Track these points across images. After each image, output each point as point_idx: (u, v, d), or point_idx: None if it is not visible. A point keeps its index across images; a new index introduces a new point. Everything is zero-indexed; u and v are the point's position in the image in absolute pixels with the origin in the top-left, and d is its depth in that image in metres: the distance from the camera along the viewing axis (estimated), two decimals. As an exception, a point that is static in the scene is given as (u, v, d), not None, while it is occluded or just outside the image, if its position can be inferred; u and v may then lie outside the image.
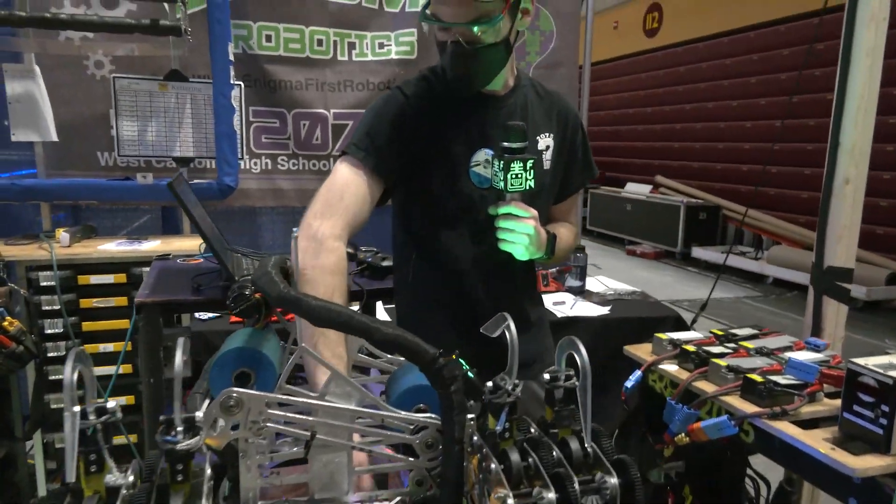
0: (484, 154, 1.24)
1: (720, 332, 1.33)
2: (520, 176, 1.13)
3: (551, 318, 2.46)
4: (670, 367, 1.22)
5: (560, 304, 2.64)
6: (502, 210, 1.17)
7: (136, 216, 2.57)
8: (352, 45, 2.74)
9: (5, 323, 1.90)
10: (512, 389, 0.80)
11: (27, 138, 2.27)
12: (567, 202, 1.42)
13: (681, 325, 2.50)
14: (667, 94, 8.53)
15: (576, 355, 0.78)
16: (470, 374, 0.78)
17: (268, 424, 0.75)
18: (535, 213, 1.17)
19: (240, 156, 2.55)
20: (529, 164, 1.13)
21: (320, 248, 1.07)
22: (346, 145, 1.20)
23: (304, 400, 0.80)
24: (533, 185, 1.14)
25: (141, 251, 2.15)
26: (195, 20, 2.34)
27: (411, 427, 0.80)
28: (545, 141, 1.30)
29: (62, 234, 2.15)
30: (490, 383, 0.80)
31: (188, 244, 2.32)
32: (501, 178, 1.14)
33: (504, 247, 1.20)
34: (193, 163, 2.46)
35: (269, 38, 2.62)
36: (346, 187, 1.15)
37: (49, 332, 2.10)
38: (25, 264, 2.06)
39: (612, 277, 2.99)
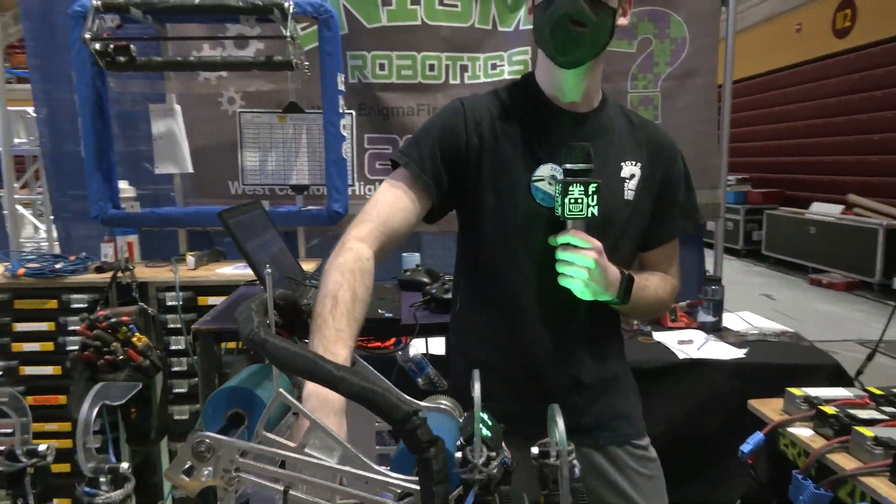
0: (550, 169, 1.12)
1: (879, 392, 1.05)
2: (580, 201, 1.03)
3: (670, 360, 2.18)
4: (803, 432, 0.99)
5: (686, 342, 2.35)
6: (561, 239, 1.06)
7: (261, 241, 2.73)
8: (464, 68, 2.70)
9: (134, 338, 2.11)
10: (495, 463, 0.66)
11: (167, 171, 2.51)
12: (662, 250, 1.26)
13: (842, 378, 2.08)
14: (862, 101, 7.44)
15: (551, 430, 0.64)
16: (487, 430, 0.67)
17: (241, 475, 0.69)
18: (598, 245, 1.05)
19: (351, 182, 2.61)
20: (592, 188, 1.03)
21: (340, 248, 1.03)
22: (395, 153, 1.16)
23: (278, 451, 0.73)
24: (596, 213, 1.03)
25: (251, 275, 2.26)
26: (313, 55, 2.45)
27: (398, 492, 0.70)
28: (630, 169, 1.18)
29: (189, 258, 2.34)
30: (489, 453, 0.67)
31: (305, 266, 2.41)
32: (560, 203, 1.03)
33: (562, 281, 1.08)
34: (309, 189, 2.56)
35: (382, 67, 2.67)
36: (383, 196, 1.12)
37: (174, 348, 2.28)
38: (156, 285, 2.26)
39: (788, 309, 2.60)
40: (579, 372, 1.17)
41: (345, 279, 0.97)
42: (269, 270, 0.88)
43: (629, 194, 1.17)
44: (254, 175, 2.53)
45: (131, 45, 2.23)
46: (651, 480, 1.23)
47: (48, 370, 2.24)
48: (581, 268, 1.05)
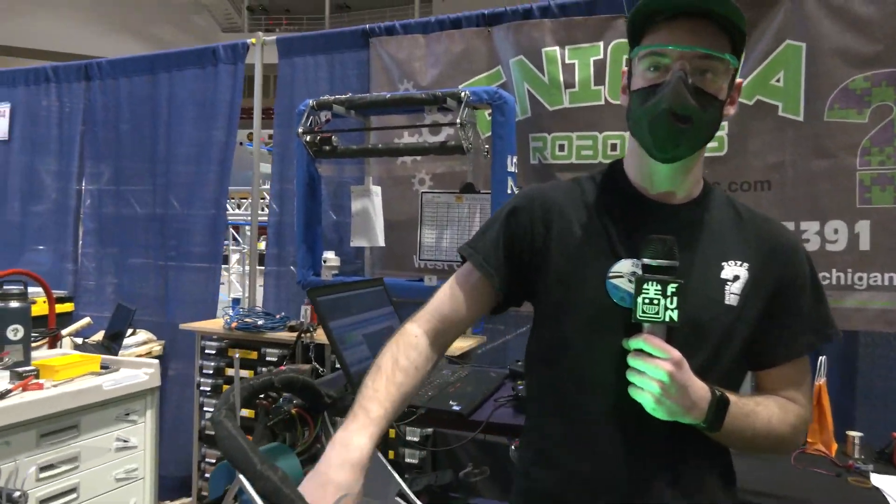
0: (631, 265, 0.99)
1: None
2: (656, 302, 0.89)
3: None
4: None
5: None
6: (633, 344, 0.92)
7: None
8: (650, 147, 2.53)
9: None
10: None
11: (360, 244, 2.79)
12: (783, 370, 1.04)
13: None
14: None
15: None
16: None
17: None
18: (677, 356, 0.90)
19: (519, 262, 2.59)
20: (672, 289, 0.89)
21: (399, 333, 1.07)
22: (463, 245, 1.15)
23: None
24: (675, 318, 0.89)
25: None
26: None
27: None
28: (733, 269, 1.01)
29: (364, 325, 2.54)
30: None
31: (464, 343, 2.44)
32: (633, 303, 0.91)
33: (633, 393, 0.93)
34: (479, 268, 2.61)
35: (561, 148, 2.63)
36: (443, 288, 1.11)
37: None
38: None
39: None
40: (660, 499, 0.97)
41: (388, 351, 1.03)
42: (237, 355, 0.93)
43: (732, 299, 0.99)
44: (430, 251, 2.67)
45: (333, 137, 2.57)
46: None
47: (243, 413, 2.59)
48: (652, 380, 0.90)
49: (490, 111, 2.47)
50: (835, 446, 2.14)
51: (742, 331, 1.00)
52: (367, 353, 1.48)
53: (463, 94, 2.40)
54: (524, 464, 1.12)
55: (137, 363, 2.10)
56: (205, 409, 2.73)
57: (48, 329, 2.57)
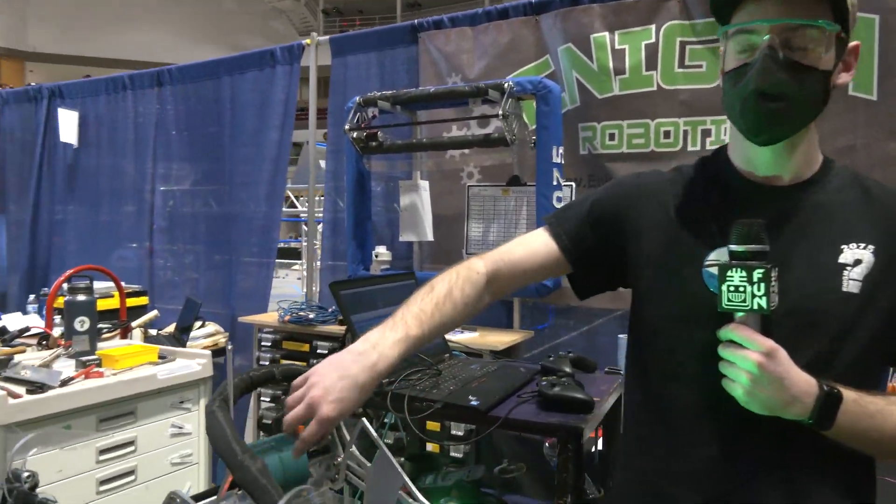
0: (727, 252, 0.95)
1: None
2: (742, 290, 0.85)
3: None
4: None
5: None
6: (723, 334, 0.88)
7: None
8: (706, 133, 2.40)
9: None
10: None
11: (409, 239, 2.81)
12: None
13: None
14: None
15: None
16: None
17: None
18: (769, 346, 0.84)
19: (567, 255, 2.53)
20: (758, 274, 0.84)
21: (462, 264, 1.10)
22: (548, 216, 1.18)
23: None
24: (764, 306, 0.83)
25: (454, 340, 2.35)
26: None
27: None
28: (854, 253, 0.93)
29: (411, 319, 2.55)
30: None
31: (508, 338, 2.42)
32: (718, 290, 0.87)
33: (726, 385, 0.89)
34: (526, 261, 2.57)
35: (612, 137, 2.55)
36: (519, 238, 1.15)
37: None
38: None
39: None
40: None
41: (447, 277, 1.06)
42: (230, 347, 0.95)
43: (851, 285, 0.91)
44: (476, 244, 2.66)
45: (379, 133, 2.60)
46: None
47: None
48: (741, 371, 0.85)
49: (535, 101, 2.42)
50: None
51: (870, 321, 0.91)
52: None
53: (506, 84, 2.36)
54: (623, 451, 1.10)
55: (192, 354, 2.21)
56: (262, 398, 2.84)
57: (119, 321, 2.74)
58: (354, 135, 2.61)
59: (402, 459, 1.90)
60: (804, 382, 0.85)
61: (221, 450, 0.79)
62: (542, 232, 1.13)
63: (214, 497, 0.92)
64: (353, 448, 1.13)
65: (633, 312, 1.09)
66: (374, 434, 1.08)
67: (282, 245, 9.32)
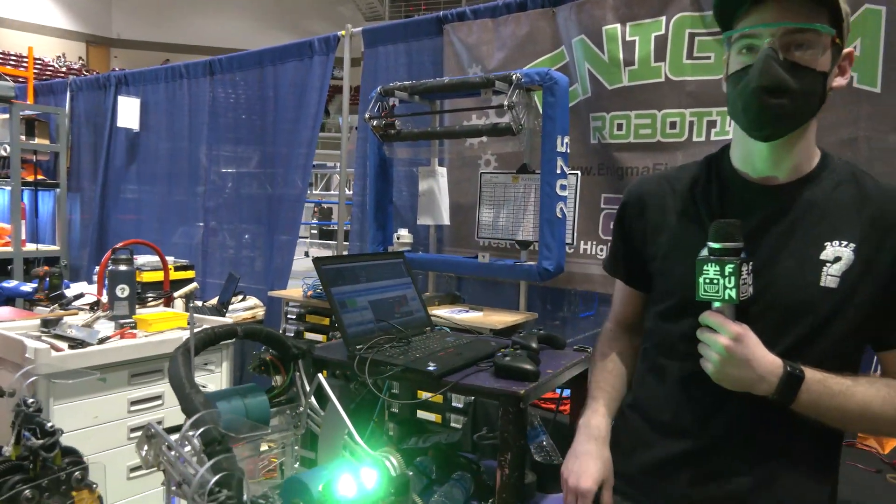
0: None
1: None
2: (716, 282, 0.99)
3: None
4: None
5: None
6: (702, 320, 1.03)
7: (499, 289, 2.95)
8: (711, 124, 2.43)
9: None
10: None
11: (426, 223, 2.95)
12: None
13: None
14: None
15: None
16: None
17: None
18: (737, 331, 0.98)
19: (571, 241, 2.61)
20: (729, 269, 0.97)
21: (597, 353, 1.36)
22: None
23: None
24: (734, 296, 0.97)
25: (456, 319, 2.49)
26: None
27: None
28: (836, 251, 1.02)
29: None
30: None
31: (511, 318, 2.54)
32: (696, 283, 1.01)
33: (701, 363, 1.04)
34: (533, 246, 2.67)
35: (619, 127, 2.60)
36: (616, 294, 1.37)
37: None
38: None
39: None
40: (732, 458, 1.07)
41: (598, 351, 1.36)
42: (192, 305, 1.13)
43: (829, 281, 1.01)
44: (487, 229, 2.78)
45: (396, 122, 2.75)
46: None
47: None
48: (713, 352, 1.00)
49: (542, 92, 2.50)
50: (892, 444, 1.99)
51: (849, 313, 1.01)
52: (370, 317, 1.64)
53: (514, 76, 2.46)
54: (623, 405, 1.27)
55: (217, 322, 2.44)
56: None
57: (163, 291, 3.03)
58: (374, 123, 2.77)
59: (393, 424, 2.07)
60: (770, 363, 0.98)
61: (175, 385, 0.96)
62: (617, 282, 1.34)
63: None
64: (312, 399, 1.31)
65: (650, 302, 1.24)
66: (327, 388, 1.25)
67: (323, 226, 9.59)
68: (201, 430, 0.82)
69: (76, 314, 2.46)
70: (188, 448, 0.86)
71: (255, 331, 1.23)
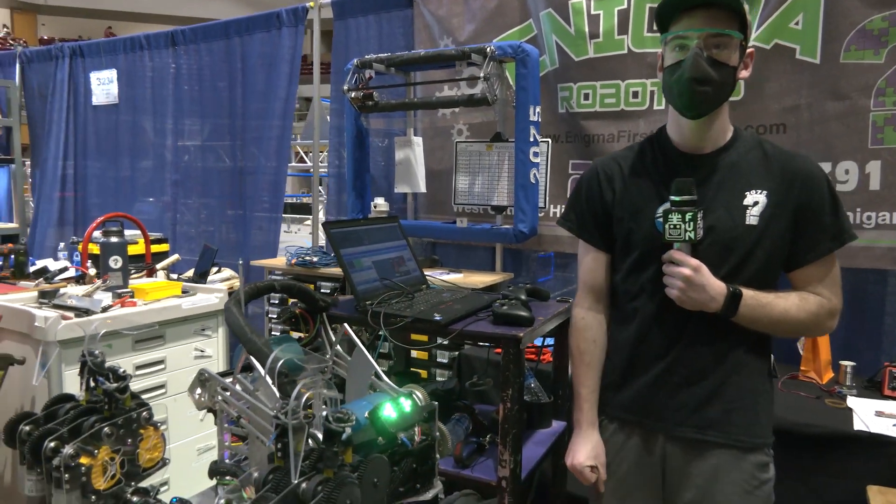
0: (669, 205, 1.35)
1: None
2: (678, 227, 1.26)
3: (840, 429, 1.84)
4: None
5: (888, 416, 1.97)
6: (666, 258, 1.30)
7: (474, 253, 3.12)
8: (670, 93, 2.63)
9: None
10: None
11: (403, 191, 3.09)
12: (808, 270, 1.34)
13: None
14: None
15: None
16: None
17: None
18: (695, 263, 1.26)
19: (543, 205, 2.80)
20: (689, 216, 1.25)
21: (571, 323, 1.54)
22: (558, 218, 1.59)
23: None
24: (693, 237, 1.25)
25: (440, 279, 2.65)
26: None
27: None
28: (753, 197, 1.32)
29: (404, 262, 2.86)
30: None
31: (489, 279, 2.72)
32: (662, 229, 1.29)
33: (668, 292, 1.30)
34: (507, 210, 2.84)
35: (586, 97, 2.78)
36: (581, 262, 1.53)
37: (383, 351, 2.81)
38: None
39: None
40: (695, 369, 1.34)
41: (572, 341, 1.52)
42: (241, 262, 1.25)
43: (752, 219, 1.30)
44: (463, 196, 2.93)
45: (374, 93, 2.85)
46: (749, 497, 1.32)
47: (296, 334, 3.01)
48: (677, 281, 1.27)
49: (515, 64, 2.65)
50: (829, 375, 2.26)
51: (766, 244, 1.30)
52: (375, 276, 1.79)
53: (489, 49, 2.59)
54: (609, 351, 1.50)
55: (211, 289, 2.53)
56: (272, 333, 3.18)
57: (145, 263, 3.07)
58: (352, 95, 2.86)
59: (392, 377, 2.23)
60: (718, 287, 1.27)
61: (237, 333, 1.09)
62: (582, 242, 1.51)
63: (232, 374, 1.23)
64: (338, 346, 1.44)
65: (614, 259, 1.47)
66: (353, 335, 1.39)
67: (293, 200, 9.60)
68: (280, 363, 0.96)
69: (65, 286, 2.51)
70: (239, 387, 0.99)
71: (289, 286, 1.36)
